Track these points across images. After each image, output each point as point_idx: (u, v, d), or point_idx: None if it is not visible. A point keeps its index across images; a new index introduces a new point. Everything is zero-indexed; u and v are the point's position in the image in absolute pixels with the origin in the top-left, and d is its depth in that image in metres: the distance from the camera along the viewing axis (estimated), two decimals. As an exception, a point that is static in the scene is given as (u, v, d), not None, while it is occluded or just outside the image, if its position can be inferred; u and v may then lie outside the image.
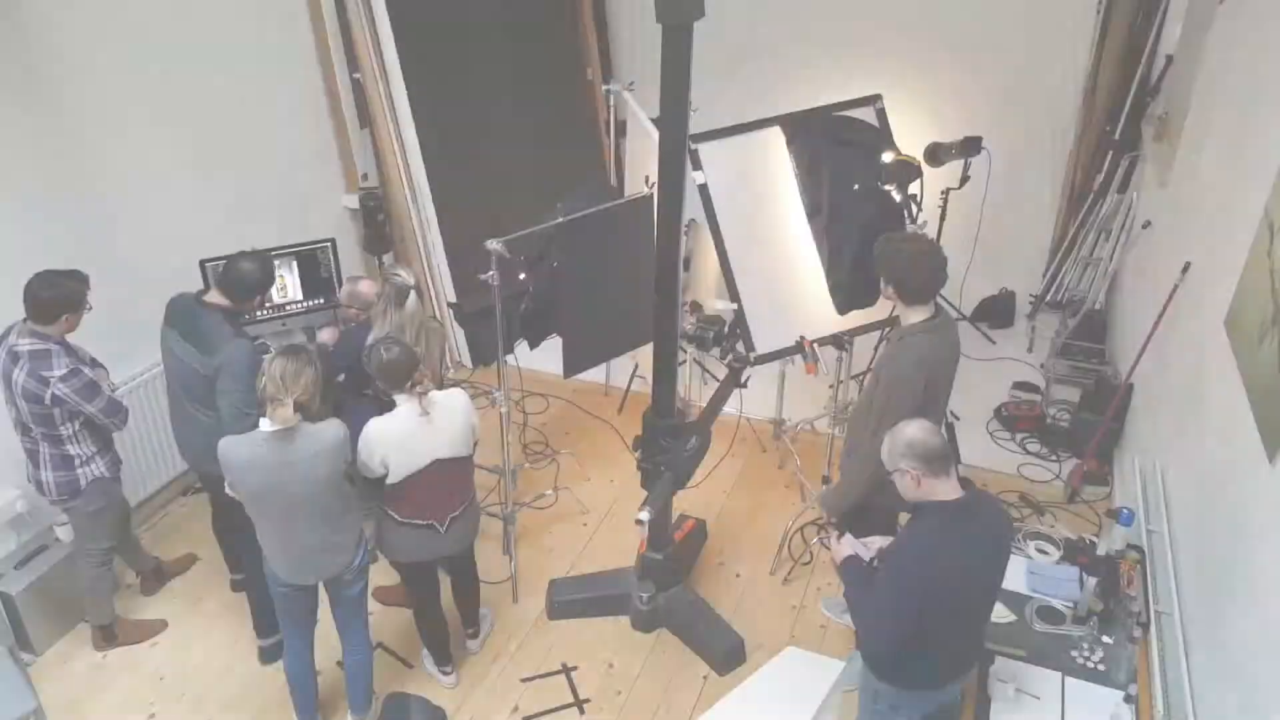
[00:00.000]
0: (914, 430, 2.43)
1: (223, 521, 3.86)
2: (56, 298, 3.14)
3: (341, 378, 3.63)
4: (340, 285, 4.61)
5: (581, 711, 3.54)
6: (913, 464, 2.39)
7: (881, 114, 4.09)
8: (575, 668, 3.71)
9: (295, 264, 4.48)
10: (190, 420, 3.41)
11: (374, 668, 3.40)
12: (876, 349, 3.96)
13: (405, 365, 3.01)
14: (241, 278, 3.30)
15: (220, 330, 3.24)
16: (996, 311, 5.91)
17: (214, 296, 3.32)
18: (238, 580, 4.00)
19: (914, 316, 3.02)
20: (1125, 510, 3.19)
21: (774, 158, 3.97)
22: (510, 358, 3.96)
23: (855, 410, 3.29)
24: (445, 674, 3.63)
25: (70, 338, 3.32)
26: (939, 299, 3.09)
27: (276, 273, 4.08)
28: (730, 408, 4.09)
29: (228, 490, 2.96)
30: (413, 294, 3.36)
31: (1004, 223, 5.43)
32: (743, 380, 3.96)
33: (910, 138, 4.16)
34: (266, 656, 3.71)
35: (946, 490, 2.42)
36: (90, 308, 3.27)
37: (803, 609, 3.98)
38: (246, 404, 3.17)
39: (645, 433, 3.46)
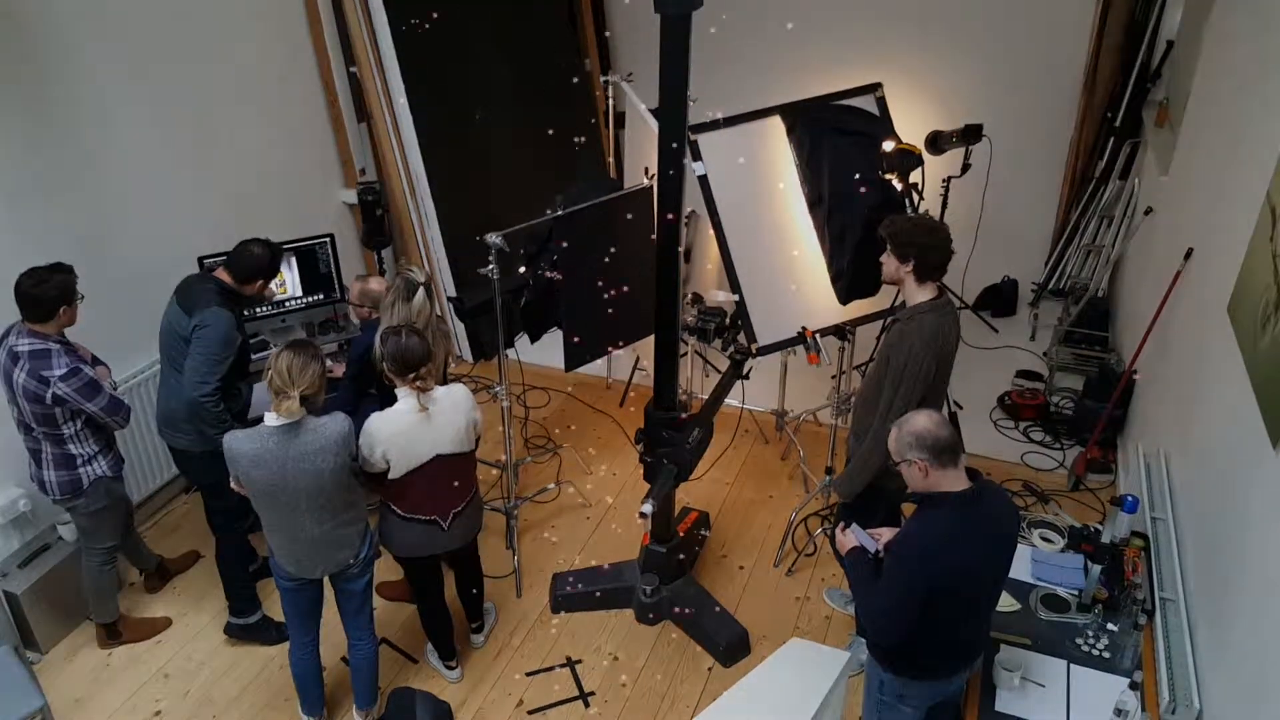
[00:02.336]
0: (923, 421, 2.41)
1: (211, 507, 3.71)
2: (48, 293, 3.14)
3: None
4: (339, 281, 4.61)
5: (586, 705, 3.54)
6: (921, 455, 2.38)
7: (882, 102, 4.07)
8: (579, 661, 3.72)
9: (294, 260, 4.48)
10: (164, 385, 3.49)
11: (379, 662, 3.40)
12: (879, 338, 3.95)
13: (419, 355, 3.01)
14: (244, 258, 3.41)
15: (208, 296, 3.32)
16: (999, 300, 5.91)
17: (220, 272, 3.43)
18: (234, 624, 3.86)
19: (921, 296, 3.03)
20: (1129, 497, 3.18)
21: (774, 147, 3.96)
22: (511, 352, 3.95)
23: (861, 394, 3.29)
24: (450, 668, 3.64)
25: (70, 336, 3.32)
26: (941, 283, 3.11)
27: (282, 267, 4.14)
28: (732, 399, 4.08)
29: (233, 485, 2.97)
30: (421, 291, 3.36)
31: (1005, 211, 5.41)
32: (745, 372, 3.96)
33: (911, 126, 4.14)
34: (232, 630, 3.77)
35: (954, 481, 2.41)
36: (83, 297, 3.27)
37: (807, 600, 3.98)
38: (209, 371, 3.26)
39: (647, 425, 3.46)
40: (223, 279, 3.41)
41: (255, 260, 3.41)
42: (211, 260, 3.99)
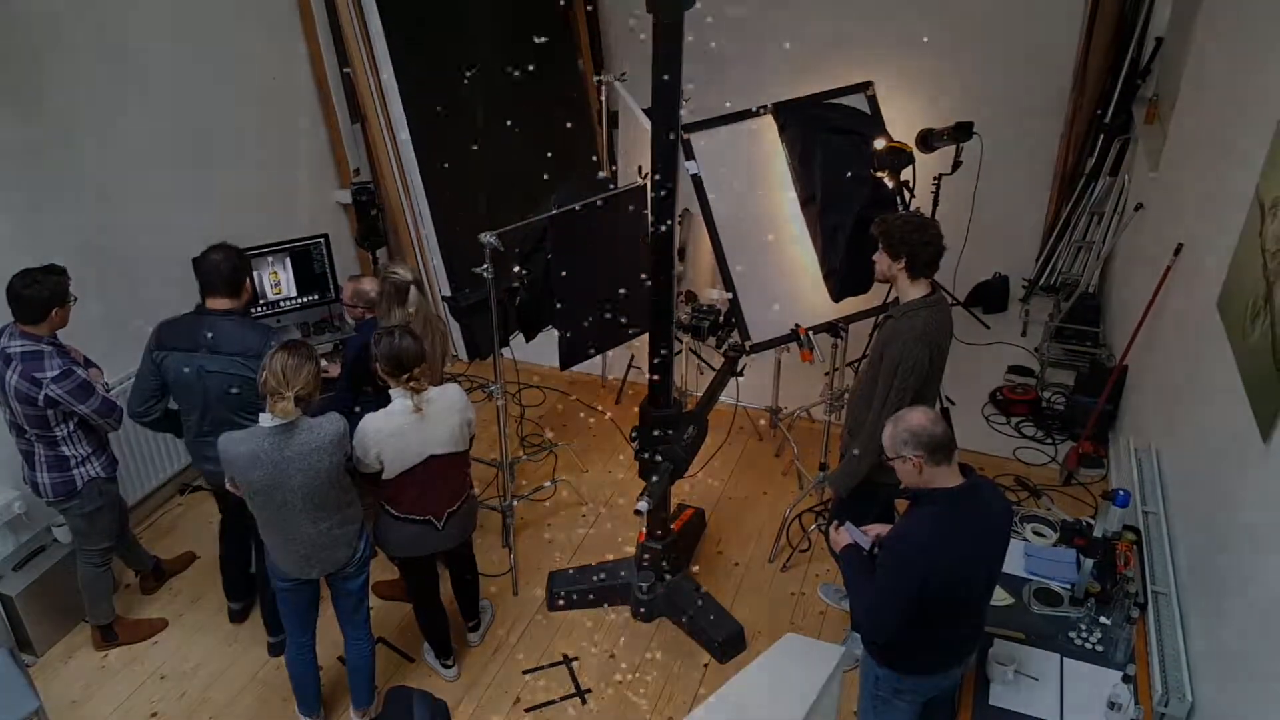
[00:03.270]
0: (918, 418, 2.43)
1: (233, 534, 3.74)
2: (40, 294, 3.12)
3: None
4: (334, 281, 4.61)
5: (583, 702, 3.55)
6: (915, 452, 2.39)
7: (873, 100, 4.09)
8: (576, 658, 3.72)
9: (289, 260, 4.47)
10: (220, 430, 3.21)
11: (375, 662, 3.40)
12: (872, 334, 3.97)
13: (412, 356, 3.01)
14: (220, 269, 3.18)
15: (249, 330, 3.20)
16: (990, 296, 5.93)
17: (215, 303, 3.21)
18: (235, 610, 3.90)
19: (914, 293, 3.05)
20: (1121, 492, 3.20)
21: (766, 146, 3.97)
22: (506, 350, 3.96)
23: (855, 391, 3.31)
24: (446, 667, 3.64)
25: (64, 337, 3.31)
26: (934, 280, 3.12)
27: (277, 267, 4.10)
28: (727, 397, 4.09)
29: (228, 486, 2.97)
30: (413, 288, 3.36)
31: (997, 208, 5.42)
32: (739, 369, 3.97)
33: (902, 124, 4.16)
34: (274, 650, 3.74)
35: (947, 478, 2.42)
36: (75, 298, 3.25)
37: (801, 596, 4.00)
38: None
39: (642, 423, 3.47)
40: (227, 307, 3.20)
41: (228, 265, 3.19)
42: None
